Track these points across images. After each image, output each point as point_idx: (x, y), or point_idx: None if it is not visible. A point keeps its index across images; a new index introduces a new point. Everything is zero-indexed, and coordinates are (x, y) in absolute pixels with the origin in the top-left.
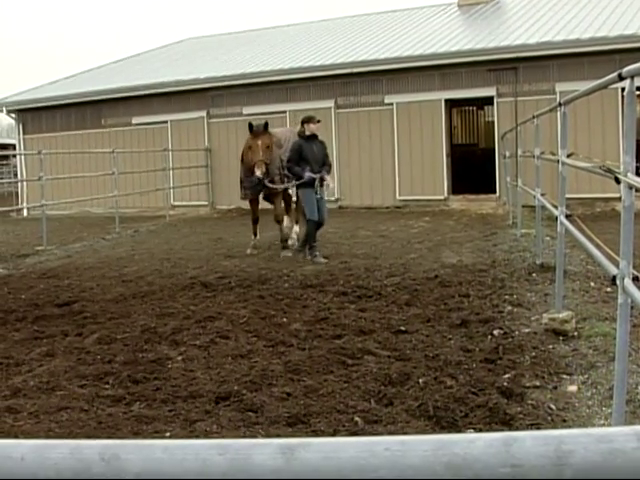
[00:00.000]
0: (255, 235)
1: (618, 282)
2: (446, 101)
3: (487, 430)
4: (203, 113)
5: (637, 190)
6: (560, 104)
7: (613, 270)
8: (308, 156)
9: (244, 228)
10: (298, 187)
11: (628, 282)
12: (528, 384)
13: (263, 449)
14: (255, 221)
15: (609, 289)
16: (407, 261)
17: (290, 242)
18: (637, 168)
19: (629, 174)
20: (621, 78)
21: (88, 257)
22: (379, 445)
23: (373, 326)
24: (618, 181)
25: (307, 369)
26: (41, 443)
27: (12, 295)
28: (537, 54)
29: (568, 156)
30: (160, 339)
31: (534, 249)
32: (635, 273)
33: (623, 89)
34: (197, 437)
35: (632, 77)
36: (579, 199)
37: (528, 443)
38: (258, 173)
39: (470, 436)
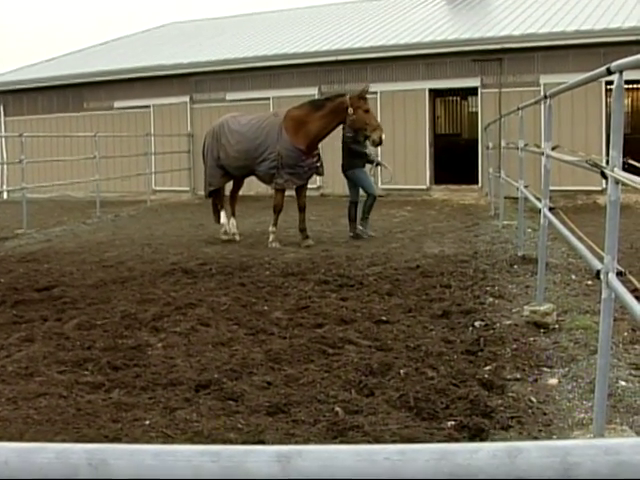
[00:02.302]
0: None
1: (602, 277)
2: (430, 91)
3: (468, 422)
4: (186, 98)
5: (623, 185)
6: (546, 96)
7: (597, 265)
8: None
9: None
10: (355, 167)
11: (612, 277)
12: (509, 376)
13: (258, 456)
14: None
15: (590, 282)
16: (389, 250)
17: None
18: (623, 163)
19: (616, 169)
20: (610, 72)
21: (68, 241)
22: (379, 454)
23: (354, 315)
24: (604, 176)
25: (288, 358)
26: (26, 446)
27: None
28: (522, 46)
29: (553, 149)
30: (140, 325)
31: (516, 241)
32: (619, 268)
33: (607, 82)
34: (177, 425)
35: (621, 71)
36: (561, 191)
37: (533, 454)
38: (384, 136)
39: (473, 446)
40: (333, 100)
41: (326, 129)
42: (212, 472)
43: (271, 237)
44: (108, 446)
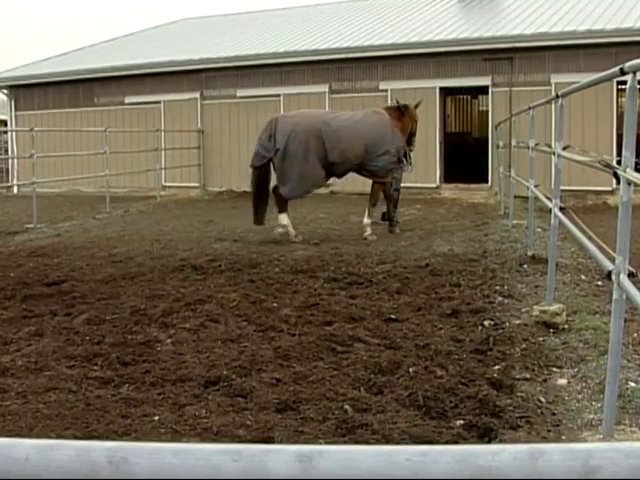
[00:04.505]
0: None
1: (614, 278)
2: (441, 89)
3: (476, 421)
4: (196, 94)
5: (635, 185)
6: (558, 96)
7: (608, 265)
8: None
9: (235, 211)
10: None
11: (624, 278)
12: (518, 376)
13: (279, 456)
14: None
15: (600, 283)
16: (398, 249)
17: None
18: (636, 164)
19: (628, 170)
20: (623, 73)
21: (78, 236)
22: (400, 455)
23: (363, 313)
24: (617, 176)
25: (297, 355)
26: (46, 443)
27: (1, 273)
28: (533, 45)
29: (564, 149)
30: (150, 321)
31: (525, 240)
32: (631, 269)
33: (619, 82)
34: (186, 421)
35: (634, 72)
36: (571, 191)
37: (555, 456)
38: None
39: (495, 447)
40: (408, 108)
41: (408, 132)
42: (233, 471)
43: (368, 230)
44: (129, 444)
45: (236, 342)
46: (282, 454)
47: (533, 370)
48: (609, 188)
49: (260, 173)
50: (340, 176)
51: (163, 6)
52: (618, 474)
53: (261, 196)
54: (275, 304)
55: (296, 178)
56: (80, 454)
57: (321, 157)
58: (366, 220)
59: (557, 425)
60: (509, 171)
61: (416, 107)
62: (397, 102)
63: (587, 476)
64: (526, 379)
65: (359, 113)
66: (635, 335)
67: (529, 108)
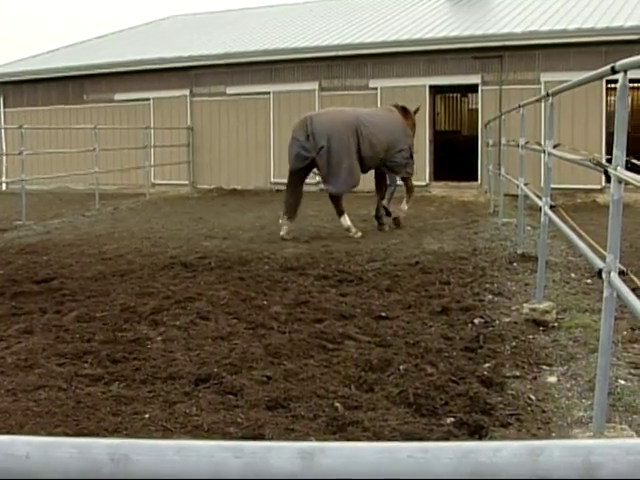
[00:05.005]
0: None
1: (604, 276)
2: (431, 87)
3: (467, 419)
4: (186, 92)
5: (626, 184)
6: (548, 94)
7: (599, 263)
8: None
9: (225, 208)
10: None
11: (614, 276)
12: (508, 374)
13: (281, 452)
14: None
15: (589, 281)
16: (388, 246)
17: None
18: (626, 162)
19: (619, 168)
20: (614, 71)
21: (67, 233)
22: (401, 451)
23: (354, 311)
24: (608, 174)
25: (287, 353)
26: (47, 440)
27: None
28: (523, 43)
29: (554, 147)
30: (140, 319)
31: (515, 238)
32: (621, 267)
33: (608, 81)
34: (177, 419)
35: (625, 71)
36: (560, 189)
37: (556, 453)
38: None
39: (495, 444)
40: (410, 110)
41: None
42: (234, 468)
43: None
44: (130, 441)
45: (226, 340)
46: (284, 451)
47: (523, 368)
48: (598, 186)
49: (301, 175)
50: (366, 171)
51: (152, 3)
52: (619, 470)
53: (297, 196)
54: (265, 302)
55: (345, 173)
56: (81, 451)
57: (356, 151)
58: (404, 206)
59: (547, 423)
60: (499, 169)
61: (415, 113)
62: (397, 104)
63: (587, 472)
64: (516, 377)
65: (379, 110)
66: (625, 333)
67: (519, 106)
